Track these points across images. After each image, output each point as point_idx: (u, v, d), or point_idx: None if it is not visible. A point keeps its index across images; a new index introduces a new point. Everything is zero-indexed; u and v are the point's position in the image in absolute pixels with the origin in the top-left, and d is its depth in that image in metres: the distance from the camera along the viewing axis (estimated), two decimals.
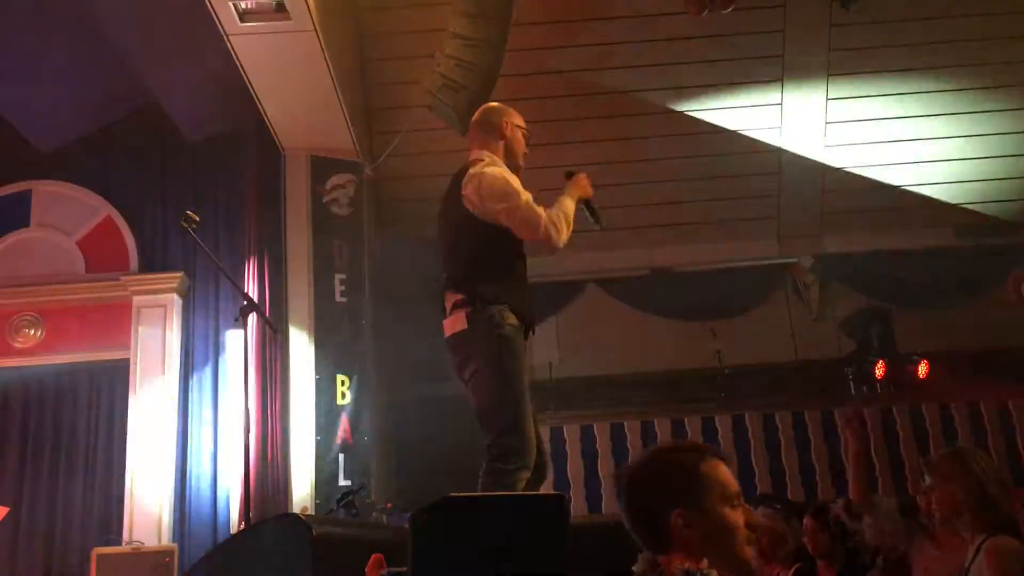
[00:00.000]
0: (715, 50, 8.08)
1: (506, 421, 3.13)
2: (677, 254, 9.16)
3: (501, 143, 3.50)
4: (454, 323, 3.28)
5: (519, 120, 3.59)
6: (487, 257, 3.31)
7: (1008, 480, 3.06)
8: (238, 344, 7.10)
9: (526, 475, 3.13)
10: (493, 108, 3.62)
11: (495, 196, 3.27)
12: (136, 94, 7.45)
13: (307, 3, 5.96)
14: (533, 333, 3.41)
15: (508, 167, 3.44)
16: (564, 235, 3.31)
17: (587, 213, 3.54)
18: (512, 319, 3.25)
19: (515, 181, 3.37)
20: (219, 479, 7.32)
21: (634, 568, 1.76)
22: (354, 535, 2.91)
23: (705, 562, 1.67)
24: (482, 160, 3.42)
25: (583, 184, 3.49)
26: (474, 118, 3.64)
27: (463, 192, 3.33)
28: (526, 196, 3.30)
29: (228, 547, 2.51)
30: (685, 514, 1.72)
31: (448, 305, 3.34)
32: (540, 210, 3.29)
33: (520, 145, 3.54)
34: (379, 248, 8.30)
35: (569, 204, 3.39)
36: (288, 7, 5.97)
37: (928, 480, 3.04)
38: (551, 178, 3.65)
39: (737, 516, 1.74)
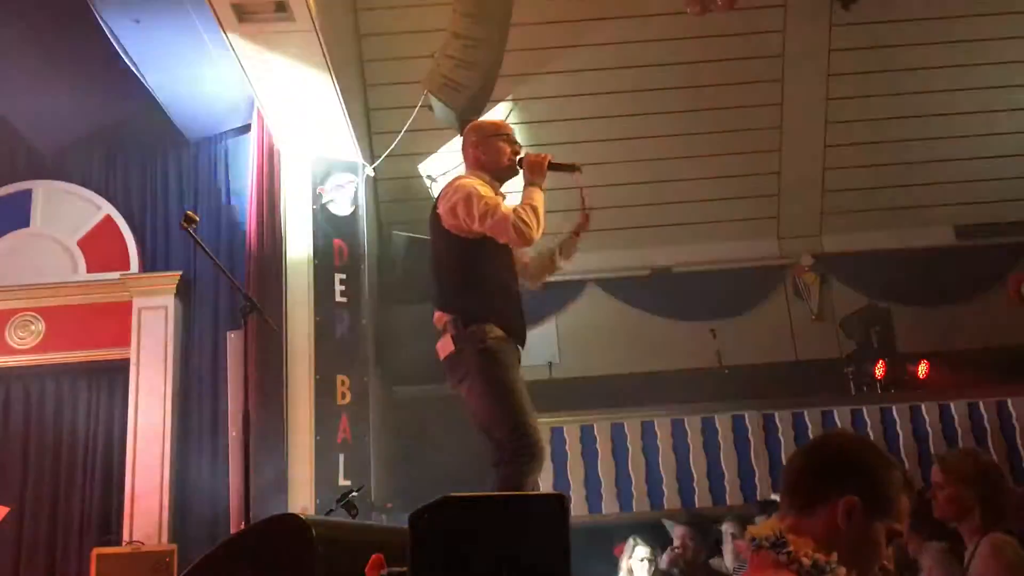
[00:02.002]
0: (715, 50, 8.08)
1: (507, 426, 3.16)
2: (677, 254, 9.15)
3: (472, 162, 3.51)
4: (444, 346, 3.32)
5: (494, 129, 3.57)
6: (468, 273, 3.33)
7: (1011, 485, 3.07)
8: (238, 344, 7.10)
9: (539, 472, 3.19)
10: (466, 129, 3.65)
11: (465, 207, 3.27)
12: (136, 94, 7.45)
13: (307, 3, 5.95)
14: (522, 347, 3.39)
15: (495, 178, 3.44)
16: (535, 228, 3.28)
17: (563, 170, 3.51)
18: (496, 332, 3.26)
19: (483, 188, 3.35)
20: (219, 479, 7.32)
21: (752, 529, 1.73)
22: (354, 535, 2.91)
23: (835, 556, 1.63)
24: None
25: (536, 161, 3.44)
26: None
27: (438, 210, 3.36)
28: (494, 201, 3.29)
29: (228, 547, 2.50)
30: (855, 508, 1.67)
31: (437, 323, 3.37)
32: (507, 210, 3.27)
33: (496, 155, 3.49)
34: (379, 248, 8.30)
35: (535, 193, 3.36)
36: (288, 7, 5.96)
37: (935, 477, 3.02)
38: (555, 177, 3.63)
39: (884, 542, 1.72)
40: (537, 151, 3.72)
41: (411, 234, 8.02)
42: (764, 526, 1.72)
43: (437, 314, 3.37)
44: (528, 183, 3.41)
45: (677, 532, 5.39)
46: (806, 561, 1.61)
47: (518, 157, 3.51)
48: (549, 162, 3.46)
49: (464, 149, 3.57)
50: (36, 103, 7.42)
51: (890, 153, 8.74)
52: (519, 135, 3.63)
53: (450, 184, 3.40)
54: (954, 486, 2.92)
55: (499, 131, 3.56)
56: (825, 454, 1.78)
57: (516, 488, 2.96)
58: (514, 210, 3.29)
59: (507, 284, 3.44)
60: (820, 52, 8.20)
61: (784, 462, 7.48)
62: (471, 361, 3.23)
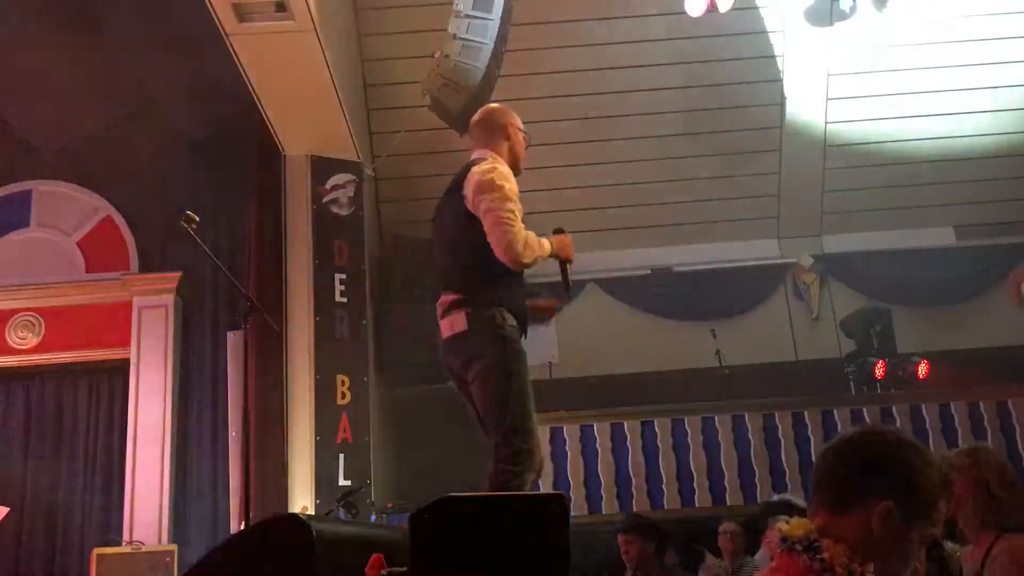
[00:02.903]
0: (715, 50, 8.08)
1: (513, 422, 3.08)
2: (677, 254, 9.16)
3: (505, 144, 3.42)
4: (453, 324, 3.21)
5: (520, 123, 3.52)
6: (488, 257, 3.22)
7: (1018, 482, 3.00)
8: (238, 344, 7.10)
9: (533, 476, 3.10)
10: (496, 109, 3.54)
11: (484, 190, 3.18)
12: (136, 94, 7.45)
13: (307, 3, 5.96)
14: (525, 335, 3.35)
15: (511, 168, 3.40)
16: (529, 258, 3.18)
17: (561, 275, 3.47)
18: (511, 320, 3.20)
19: (514, 188, 3.29)
20: (219, 479, 7.32)
21: (783, 528, 1.64)
22: (354, 535, 2.91)
23: (872, 566, 1.57)
24: (485, 160, 3.34)
25: (567, 245, 3.40)
26: (475, 118, 3.55)
27: (464, 192, 3.27)
28: (517, 208, 3.21)
29: (228, 547, 2.51)
30: (893, 513, 1.58)
31: (445, 305, 3.27)
32: (519, 224, 3.18)
33: (522, 147, 3.47)
34: (379, 248, 8.30)
35: (548, 246, 3.30)
36: (288, 7, 5.96)
37: None
38: (555, 177, 3.64)
39: (918, 548, 1.65)
40: (537, 151, 3.71)
41: (411, 234, 8.02)
42: (796, 525, 1.64)
43: (446, 294, 3.26)
44: (550, 242, 3.34)
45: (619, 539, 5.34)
46: (840, 571, 1.55)
47: (555, 228, 3.44)
48: (568, 260, 3.43)
49: (493, 124, 3.45)
50: (37, 104, 7.43)
51: (890, 153, 8.74)
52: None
53: (482, 168, 3.28)
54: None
55: (523, 127, 3.54)
56: (863, 452, 1.66)
57: (510, 491, 2.90)
58: (528, 232, 3.22)
59: (520, 274, 3.40)
60: (820, 52, 8.20)
61: (784, 462, 7.49)
62: (488, 345, 3.14)
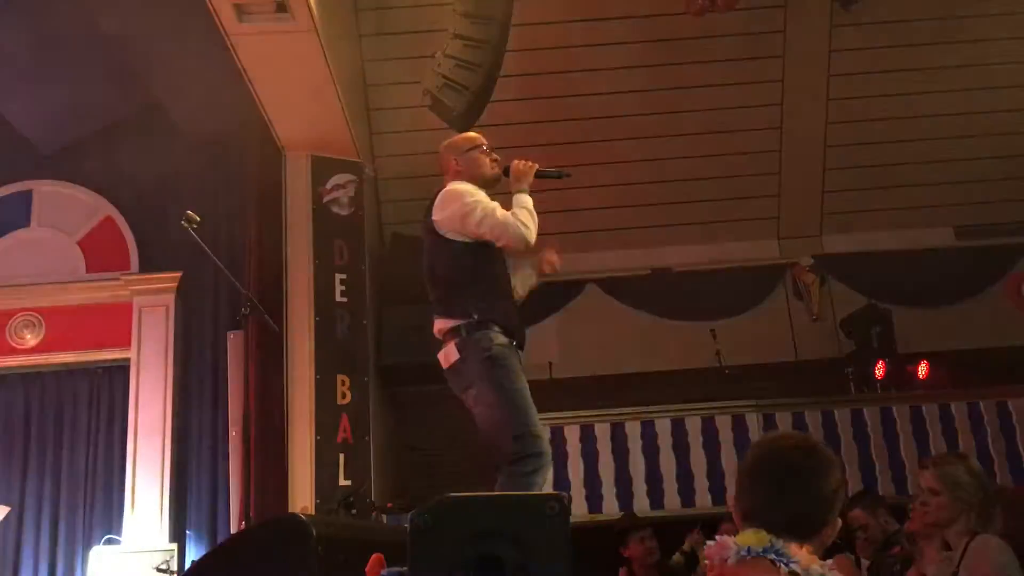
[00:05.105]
0: (715, 50, 8.08)
1: (516, 431, 3.14)
2: (677, 254, 9.16)
3: (459, 177, 3.49)
4: (447, 355, 3.30)
5: (468, 143, 3.57)
6: (466, 278, 3.32)
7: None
8: (238, 344, 7.10)
9: (544, 476, 3.16)
10: (444, 145, 3.63)
11: (463, 211, 3.29)
12: (136, 94, 7.45)
13: (307, 3, 5.96)
14: (521, 349, 3.38)
15: (481, 188, 3.45)
16: (532, 230, 3.32)
17: (551, 177, 3.56)
18: (500, 338, 3.26)
19: (477, 191, 3.37)
20: (219, 479, 7.32)
21: (737, 539, 1.74)
22: (354, 535, 2.91)
23: (830, 563, 1.73)
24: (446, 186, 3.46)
25: (523, 168, 3.48)
26: None
27: (433, 217, 3.36)
28: (491, 203, 3.32)
29: (228, 547, 2.51)
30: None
31: (438, 334, 3.36)
32: (505, 213, 3.30)
33: (477, 167, 3.51)
34: (379, 248, 8.30)
35: (525, 198, 3.40)
36: (288, 7, 5.96)
37: (928, 483, 3.06)
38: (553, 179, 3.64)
39: None
40: (536, 151, 3.73)
41: (411, 234, 8.01)
42: (752, 538, 1.72)
43: (439, 323, 3.34)
44: (516, 190, 3.44)
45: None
46: (817, 568, 1.65)
47: (504, 166, 3.52)
48: (537, 170, 3.49)
49: (444, 168, 3.58)
50: (37, 104, 7.42)
51: (890, 153, 8.74)
52: (519, 135, 3.62)
53: (443, 192, 3.41)
54: (950, 492, 2.99)
55: (474, 144, 3.57)
56: (822, 484, 1.84)
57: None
58: (512, 213, 3.31)
59: (506, 287, 3.44)
60: (820, 52, 8.20)
61: None
62: (477, 368, 3.22)
